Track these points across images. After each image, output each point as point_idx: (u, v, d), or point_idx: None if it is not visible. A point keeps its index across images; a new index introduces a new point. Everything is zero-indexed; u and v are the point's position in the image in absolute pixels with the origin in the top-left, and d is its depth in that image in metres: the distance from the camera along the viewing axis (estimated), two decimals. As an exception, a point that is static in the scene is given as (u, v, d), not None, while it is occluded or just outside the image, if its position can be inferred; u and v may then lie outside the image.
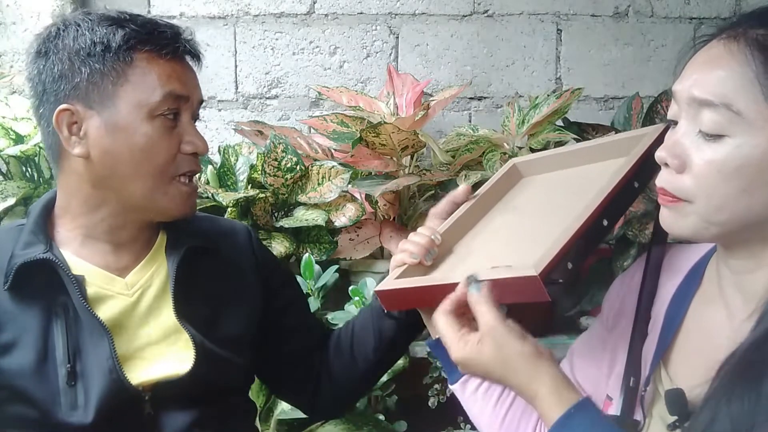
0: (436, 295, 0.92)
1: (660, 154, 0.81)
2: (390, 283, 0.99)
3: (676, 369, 0.88)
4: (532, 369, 0.81)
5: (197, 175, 1.12)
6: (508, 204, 1.11)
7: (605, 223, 0.90)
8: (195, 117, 1.10)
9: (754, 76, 0.75)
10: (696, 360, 0.85)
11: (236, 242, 1.20)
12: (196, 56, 1.10)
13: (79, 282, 1.03)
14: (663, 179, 0.81)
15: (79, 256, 1.07)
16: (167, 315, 1.08)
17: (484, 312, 0.84)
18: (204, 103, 2.21)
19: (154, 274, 1.10)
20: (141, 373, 1.04)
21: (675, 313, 0.90)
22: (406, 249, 1.01)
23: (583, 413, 0.79)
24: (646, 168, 0.94)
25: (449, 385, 1.04)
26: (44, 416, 0.99)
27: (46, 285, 1.03)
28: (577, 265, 0.85)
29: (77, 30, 1.03)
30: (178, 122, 1.06)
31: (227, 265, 1.16)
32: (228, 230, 1.22)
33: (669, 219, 0.82)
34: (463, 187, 1.09)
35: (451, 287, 0.89)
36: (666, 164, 0.80)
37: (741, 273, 0.83)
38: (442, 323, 0.87)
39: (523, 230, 1.01)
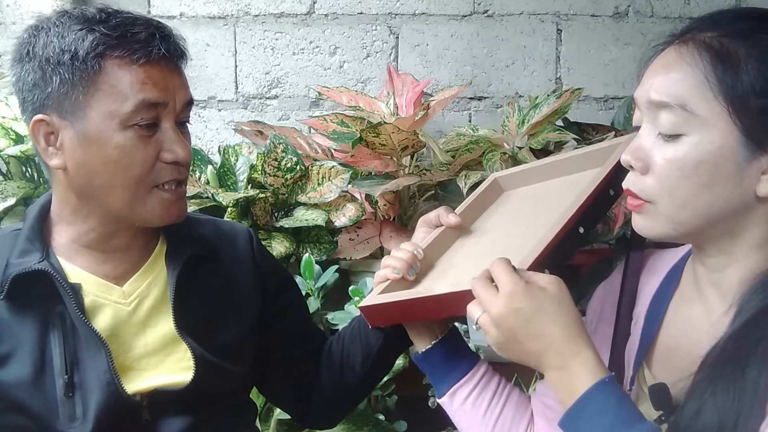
0: (418, 308, 0.91)
1: (625, 158, 0.84)
2: (373, 299, 0.98)
3: (658, 367, 0.90)
4: (582, 328, 0.80)
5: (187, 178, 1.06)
6: (489, 218, 1.12)
7: (581, 230, 0.91)
8: (183, 120, 1.04)
9: (704, 75, 0.78)
10: (677, 357, 0.87)
11: (237, 246, 1.18)
12: (179, 55, 1.02)
13: (75, 291, 1.01)
14: (629, 181, 0.85)
15: (75, 264, 1.04)
16: (165, 325, 1.06)
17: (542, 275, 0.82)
18: (204, 103, 2.24)
19: (152, 282, 1.07)
20: (139, 383, 1.03)
21: (655, 313, 0.93)
22: (388, 264, 1.00)
23: (615, 384, 0.79)
24: (620, 176, 0.95)
25: (437, 399, 1.03)
26: (42, 427, 0.98)
27: (42, 294, 1.00)
28: (553, 272, 0.85)
29: (47, 36, 0.97)
30: (158, 129, 0.99)
31: (227, 271, 1.14)
32: (229, 233, 1.19)
33: (639, 222, 0.85)
34: (454, 219, 1.06)
35: (432, 299, 0.88)
36: (631, 167, 0.84)
37: (715, 270, 0.85)
38: (500, 264, 0.82)
39: (503, 243, 1.01)
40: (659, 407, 0.83)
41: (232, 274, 1.15)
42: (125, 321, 1.04)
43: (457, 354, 1.02)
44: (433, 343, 1.01)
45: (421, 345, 1.02)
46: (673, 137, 0.79)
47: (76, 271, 1.04)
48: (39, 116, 0.98)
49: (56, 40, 0.96)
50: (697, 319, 0.87)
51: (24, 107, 1.01)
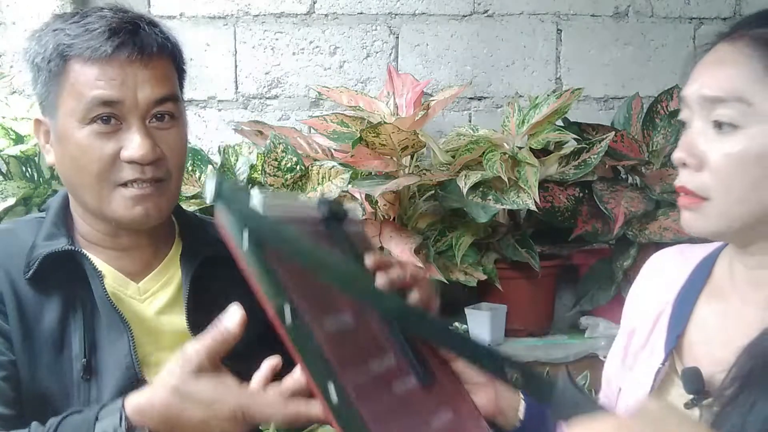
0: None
1: (678, 155, 0.83)
2: None
3: (689, 357, 0.89)
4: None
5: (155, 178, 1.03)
6: None
7: None
8: (157, 117, 1.02)
9: (762, 68, 0.78)
10: (711, 347, 0.87)
11: None
12: (147, 50, 0.99)
13: (100, 277, 1.03)
14: (683, 179, 0.84)
15: (95, 255, 1.06)
16: (178, 324, 1.07)
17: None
18: (204, 103, 2.24)
19: (166, 282, 1.09)
20: (149, 377, 1.03)
21: (683, 305, 0.93)
22: None
23: None
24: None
25: None
26: (57, 410, 0.98)
27: (66, 278, 1.02)
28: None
29: (33, 40, 1.02)
30: (121, 127, 0.99)
31: (240, 276, 1.15)
32: None
33: (690, 220, 0.84)
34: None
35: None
36: (684, 164, 0.83)
37: (756, 268, 0.85)
38: None
39: None
40: (692, 391, 0.83)
41: (245, 279, 1.15)
42: (139, 317, 1.06)
43: None
44: None
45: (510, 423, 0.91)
46: (729, 130, 0.79)
47: (97, 261, 1.05)
48: (38, 116, 1.04)
49: (36, 44, 1.01)
50: (733, 313, 0.87)
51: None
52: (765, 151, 0.78)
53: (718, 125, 0.80)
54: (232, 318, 0.80)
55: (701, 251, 0.96)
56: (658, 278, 0.99)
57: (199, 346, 0.81)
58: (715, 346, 0.86)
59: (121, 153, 0.99)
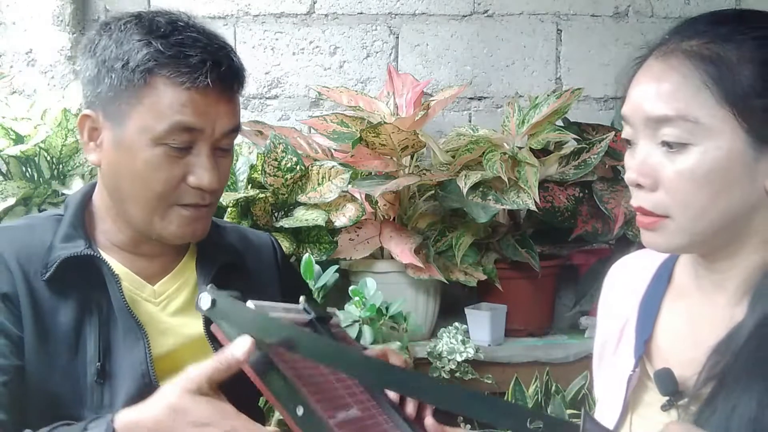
0: None
1: (630, 176, 0.83)
2: None
3: (659, 360, 0.89)
4: None
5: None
6: None
7: None
8: (222, 147, 1.04)
9: (701, 83, 0.78)
10: (680, 349, 0.87)
11: (261, 256, 1.20)
12: (230, 84, 1.02)
13: (118, 282, 1.03)
14: (639, 199, 0.83)
15: (112, 257, 1.06)
16: (191, 328, 1.07)
17: None
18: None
19: (181, 286, 1.10)
20: (162, 381, 1.03)
21: (648, 310, 0.93)
22: None
23: None
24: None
25: None
26: (69, 414, 0.98)
27: (83, 281, 1.02)
28: None
29: (109, 38, 1.00)
30: (190, 153, 1.00)
31: (252, 281, 1.16)
32: (254, 243, 1.21)
33: (652, 239, 0.84)
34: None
35: None
36: (638, 185, 0.82)
37: (719, 272, 0.85)
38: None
39: None
40: (666, 393, 0.83)
41: (257, 284, 1.16)
42: (154, 320, 1.06)
43: None
44: None
45: None
46: (679, 148, 0.79)
47: (114, 263, 1.06)
48: (88, 111, 1.03)
49: (114, 46, 0.99)
50: (699, 313, 0.87)
51: (83, 96, 1.05)
52: (715, 165, 0.78)
53: (668, 144, 0.79)
54: (241, 346, 0.79)
55: (660, 255, 0.96)
56: (621, 287, 1.00)
57: (202, 368, 0.81)
58: (684, 347, 0.86)
59: (188, 178, 1.01)
